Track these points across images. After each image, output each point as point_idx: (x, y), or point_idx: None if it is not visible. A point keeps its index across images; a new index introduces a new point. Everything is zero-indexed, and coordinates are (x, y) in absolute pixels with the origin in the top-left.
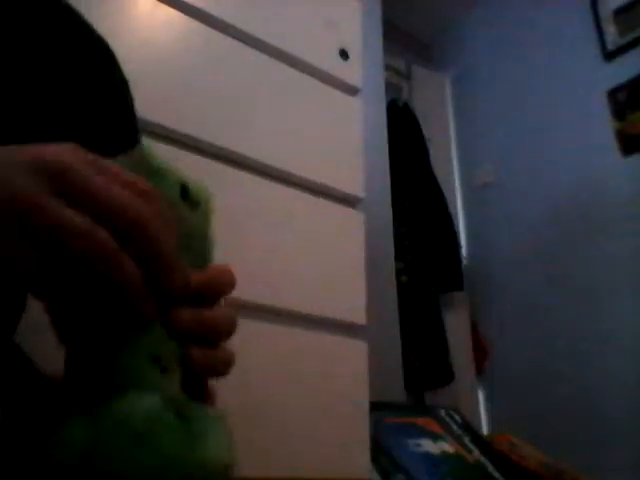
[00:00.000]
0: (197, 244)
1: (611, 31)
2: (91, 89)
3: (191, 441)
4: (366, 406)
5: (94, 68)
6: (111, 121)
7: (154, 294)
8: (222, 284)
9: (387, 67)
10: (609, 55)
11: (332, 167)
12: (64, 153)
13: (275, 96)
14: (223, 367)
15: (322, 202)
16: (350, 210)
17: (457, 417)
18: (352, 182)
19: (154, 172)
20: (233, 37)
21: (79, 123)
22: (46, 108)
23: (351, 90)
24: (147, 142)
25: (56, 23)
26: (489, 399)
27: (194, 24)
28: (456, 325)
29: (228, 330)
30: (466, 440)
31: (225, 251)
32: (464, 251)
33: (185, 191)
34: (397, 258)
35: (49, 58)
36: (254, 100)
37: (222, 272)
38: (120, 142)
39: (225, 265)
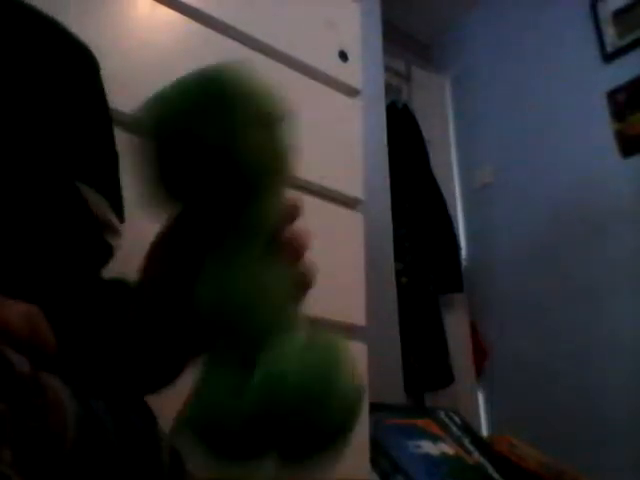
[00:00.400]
0: (277, 161)
1: (610, 33)
2: (71, 100)
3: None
4: (366, 407)
5: (74, 79)
6: (88, 131)
7: None
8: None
9: (387, 68)
10: (608, 57)
11: (332, 169)
12: None
13: None
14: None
15: (322, 204)
16: (350, 212)
17: (457, 418)
18: (352, 184)
19: (224, 98)
20: (233, 38)
21: (57, 133)
22: (24, 117)
23: (351, 91)
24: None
25: (37, 33)
26: (489, 400)
27: (193, 25)
28: (456, 326)
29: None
30: (466, 441)
31: None
32: (464, 252)
33: (259, 112)
34: (397, 259)
35: (29, 68)
36: None
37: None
38: (97, 153)
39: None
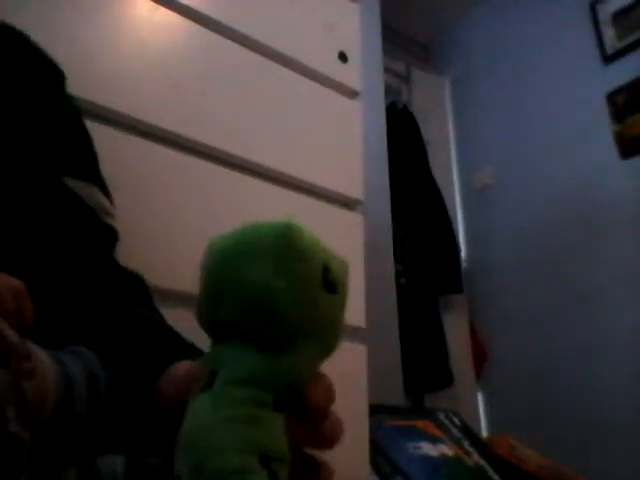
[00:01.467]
0: (327, 328)
1: (610, 34)
2: (41, 107)
3: None
4: (365, 409)
5: (41, 87)
6: (63, 146)
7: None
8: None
9: (386, 69)
10: (608, 58)
11: (332, 170)
12: None
13: (275, 99)
14: (338, 438)
15: (321, 205)
16: (350, 213)
17: (456, 420)
18: (352, 185)
19: (298, 254)
20: (232, 40)
21: (31, 148)
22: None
23: (350, 93)
24: (293, 218)
25: (5, 50)
26: (488, 401)
27: (193, 27)
28: (455, 328)
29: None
30: (465, 443)
31: None
32: (463, 253)
33: (326, 273)
34: (396, 260)
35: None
36: (254, 103)
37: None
38: (76, 152)
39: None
